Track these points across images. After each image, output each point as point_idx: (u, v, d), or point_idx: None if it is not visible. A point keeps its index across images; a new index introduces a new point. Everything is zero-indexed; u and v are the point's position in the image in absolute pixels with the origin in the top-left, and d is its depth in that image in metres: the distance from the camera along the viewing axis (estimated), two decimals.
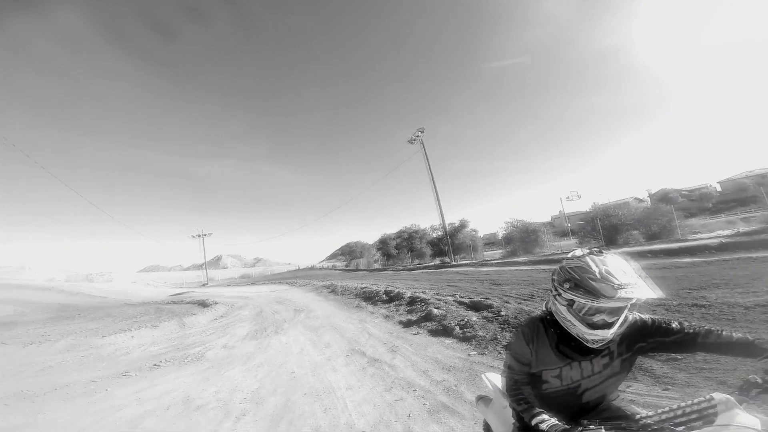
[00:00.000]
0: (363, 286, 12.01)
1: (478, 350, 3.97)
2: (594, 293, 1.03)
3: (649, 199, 50.83)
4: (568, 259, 1.18)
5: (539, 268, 11.80)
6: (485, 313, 5.25)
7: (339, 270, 42.69)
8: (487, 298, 6.27)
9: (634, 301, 1.02)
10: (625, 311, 1.09)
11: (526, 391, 1.16)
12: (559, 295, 1.15)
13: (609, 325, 1.07)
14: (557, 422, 1.00)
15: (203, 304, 12.66)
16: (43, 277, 33.73)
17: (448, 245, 24.28)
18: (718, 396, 0.91)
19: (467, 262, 21.64)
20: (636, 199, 53.71)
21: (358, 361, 4.11)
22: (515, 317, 4.76)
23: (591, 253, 1.13)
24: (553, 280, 1.21)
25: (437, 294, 7.83)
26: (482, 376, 1.68)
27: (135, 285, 34.42)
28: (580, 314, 1.10)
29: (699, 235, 12.72)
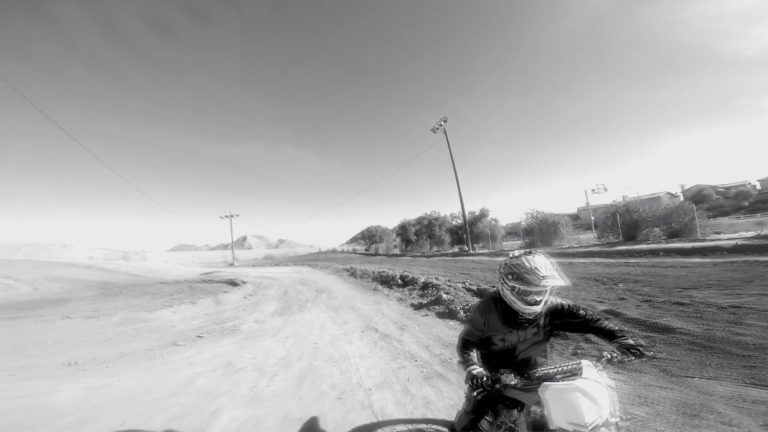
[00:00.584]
0: (380, 270, 12.66)
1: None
2: (527, 282, 1.47)
3: (681, 195, 48.80)
4: (509, 257, 1.64)
5: (559, 261, 12.06)
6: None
7: (359, 254, 43.71)
8: (494, 286, 6.74)
9: (552, 286, 1.49)
10: (548, 294, 1.56)
11: (469, 350, 1.64)
12: (505, 282, 1.61)
13: (537, 303, 1.53)
14: (482, 370, 1.51)
15: (233, 284, 13.69)
16: (84, 255, 36.28)
17: (466, 234, 24.57)
18: (584, 361, 1.39)
19: (485, 251, 21.93)
20: (669, 194, 51.71)
21: (371, 336, 4.73)
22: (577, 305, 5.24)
23: (525, 254, 1.59)
24: (500, 272, 1.68)
25: (449, 281, 8.34)
26: None
27: (167, 264, 36.55)
28: (519, 296, 1.56)
29: (719, 236, 12.53)
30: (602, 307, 4.52)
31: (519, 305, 1.55)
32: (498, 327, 1.64)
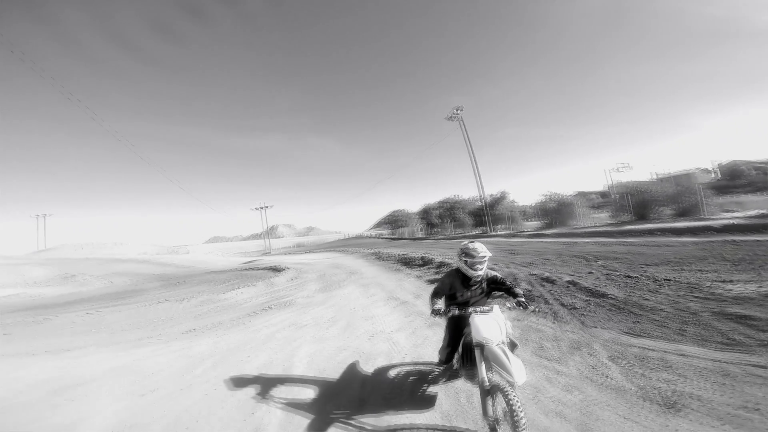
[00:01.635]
0: (403, 253, 14.25)
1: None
2: (471, 257, 2.60)
3: (717, 171, 46.90)
4: (462, 244, 2.76)
5: (559, 241, 13.22)
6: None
7: (384, 238, 45.50)
8: (496, 264, 8.17)
9: (485, 259, 2.57)
10: (485, 264, 2.59)
11: (437, 298, 2.68)
12: (461, 259, 2.72)
13: (479, 270, 2.61)
14: (440, 307, 2.60)
15: (276, 270, 15.73)
16: (135, 251, 40.22)
17: (486, 216, 25.68)
18: (495, 306, 2.59)
19: (504, 232, 23.05)
20: (702, 170, 49.73)
21: (392, 303, 6.35)
22: (506, 277, 6.69)
23: (470, 242, 2.83)
24: (457, 254, 2.76)
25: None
26: None
27: (209, 255, 39.81)
28: (468, 266, 2.61)
29: (722, 215, 13.14)
30: (567, 279, 5.89)
31: (470, 272, 2.62)
32: (458, 287, 2.70)
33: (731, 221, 10.64)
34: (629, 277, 5.56)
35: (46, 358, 4.71)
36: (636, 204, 15.86)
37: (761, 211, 12.54)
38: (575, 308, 4.55)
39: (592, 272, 6.29)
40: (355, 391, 3.07)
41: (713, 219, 12.58)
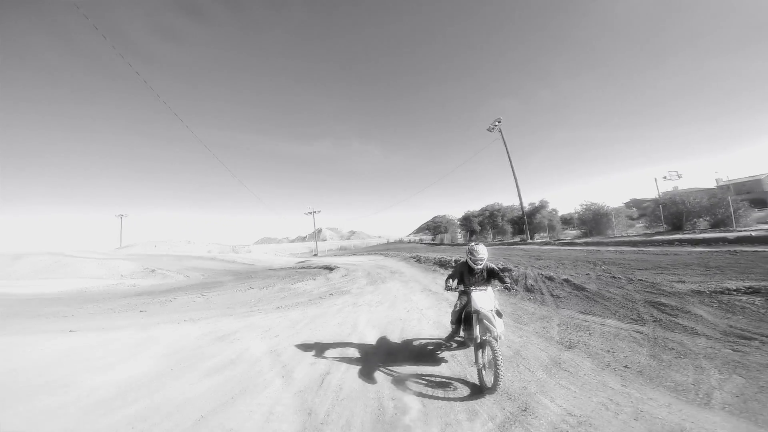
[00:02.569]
0: (440, 257, 15.99)
1: None
2: (474, 256, 3.68)
3: None
4: (469, 245, 4.28)
5: (586, 249, 14.26)
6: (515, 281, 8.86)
7: (425, 244, 47.11)
8: (517, 266, 9.74)
9: (483, 258, 3.68)
10: (484, 261, 3.65)
11: (451, 279, 3.85)
12: (468, 255, 3.82)
13: (479, 264, 3.70)
14: (452, 284, 4.49)
15: (329, 268, 18.16)
16: (203, 249, 45.38)
17: (525, 225, 26.55)
18: (489, 287, 4.22)
19: (540, 240, 23.89)
20: None
21: (426, 292, 8.23)
22: (518, 277, 8.31)
23: (475, 243, 3.79)
24: (466, 251, 4.21)
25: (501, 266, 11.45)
26: None
27: (266, 255, 43.83)
28: (472, 261, 3.70)
29: (756, 227, 13.41)
30: (564, 277, 7.42)
31: (472, 264, 3.66)
32: (466, 273, 3.78)
33: (750, 233, 11.22)
34: (614, 277, 6.98)
35: (192, 323, 7.18)
36: (669, 215, 16.29)
37: None
38: (558, 297, 6.17)
39: (588, 274, 7.74)
40: (390, 350, 5.03)
41: (739, 231, 13.00)
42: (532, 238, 26.69)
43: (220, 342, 5.18)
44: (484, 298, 3.38)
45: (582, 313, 5.19)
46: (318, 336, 5.25)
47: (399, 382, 3.41)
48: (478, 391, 3.13)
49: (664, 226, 16.67)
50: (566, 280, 7.15)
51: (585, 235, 21.62)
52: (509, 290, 4.05)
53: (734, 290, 4.94)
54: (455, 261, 11.67)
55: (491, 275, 3.81)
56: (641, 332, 4.16)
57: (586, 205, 21.92)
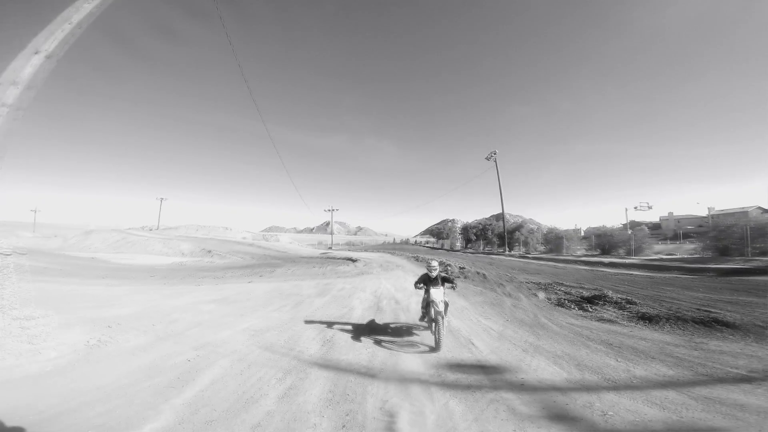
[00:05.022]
0: (438, 267, 22.40)
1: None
2: (430, 268, 5.74)
3: None
4: (427, 262, 7.06)
5: (532, 261, 20.49)
6: (461, 269, 15.22)
7: (426, 247, 53.49)
8: (478, 271, 16.06)
9: (436, 269, 5.85)
10: (436, 270, 5.67)
11: (418, 282, 5.76)
12: (427, 267, 6.01)
13: (434, 272, 5.73)
14: (419, 285, 5.93)
15: (351, 260, 24.56)
16: (239, 236, 52.19)
17: (505, 239, 32.79)
18: (441, 287, 8.05)
19: (516, 253, 30.12)
20: (760, 209, 51.67)
21: (415, 277, 14.68)
22: (474, 275, 14.64)
23: (431, 260, 7.39)
24: (426, 265, 9.57)
25: (462, 266, 17.77)
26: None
27: (291, 244, 50.42)
28: (428, 270, 5.72)
29: (645, 256, 19.49)
30: (487, 274, 13.75)
31: (431, 274, 5.52)
32: (426, 279, 5.54)
33: (651, 260, 17.37)
34: (513, 278, 13.32)
35: (302, 280, 13.64)
36: (600, 243, 22.40)
37: (689, 256, 18.84)
38: (483, 281, 12.53)
39: (508, 274, 14.05)
40: (395, 294, 11.40)
41: (644, 257, 19.17)
42: (511, 250, 32.89)
43: (327, 289, 11.64)
44: (437, 293, 5.14)
45: (479, 287, 11.57)
46: (367, 287, 11.66)
47: (400, 302, 9.77)
48: (433, 347, 4.98)
49: (597, 251, 22.77)
50: (483, 276, 13.52)
51: (548, 251, 27.81)
52: (454, 288, 5.87)
53: (550, 285, 11.24)
54: (455, 275, 18.44)
55: (444, 280, 5.58)
56: (507, 297, 10.50)
57: (549, 228, 28.08)
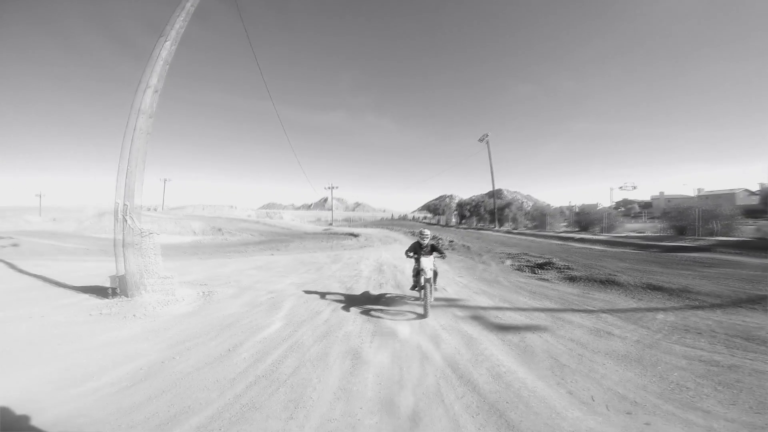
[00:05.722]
0: (431, 234, 25.06)
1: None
2: (422, 236, 6.19)
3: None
4: (419, 230, 8.87)
5: (515, 236, 23.15)
6: (451, 242, 17.88)
7: (423, 222, 56.18)
8: (464, 244, 18.69)
9: (427, 237, 6.46)
10: (428, 239, 6.11)
11: (409, 251, 6.24)
12: (419, 235, 8.51)
13: (425, 240, 6.32)
14: (410, 253, 6.52)
15: (353, 235, 27.19)
16: (244, 214, 54.61)
17: (495, 217, 35.41)
18: (431, 255, 10.44)
19: (504, 228, 32.82)
20: (747, 191, 54.13)
21: None
22: (461, 247, 17.28)
23: (424, 228, 8.21)
24: (417, 233, 8.95)
25: (452, 240, 20.39)
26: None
27: (294, 221, 52.99)
28: (420, 238, 6.18)
29: (616, 233, 22.18)
30: (470, 246, 16.39)
31: (421, 241, 5.97)
32: (417, 248, 5.96)
33: (617, 237, 20.04)
34: (491, 250, 15.97)
35: (316, 252, 16.26)
36: (579, 221, 25.05)
37: (658, 233, 21.54)
38: (466, 252, 15.19)
39: (489, 246, 16.70)
40: (394, 261, 14.03)
41: (603, 235, 21.87)
42: (501, 226, 35.60)
43: (337, 258, 14.25)
44: (427, 262, 5.55)
45: (462, 257, 14.23)
46: (370, 256, 14.26)
47: (397, 266, 12.41)
48: (421, 314, 5.42)
49: (576, 228, 25.43)
50: (467, 247, 16.18)
51: (533, 228, 30.50)
52: (443, 258, 6.23)
53: (519, 255, 13.89)
54: (444, 247, 21.22)
55: (433, 249, 5.96)
56: (481, 263, 13.14)
57: (535, 205, 30.65)
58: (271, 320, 5.24)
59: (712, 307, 5.88)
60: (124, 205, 6.04)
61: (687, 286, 7.25)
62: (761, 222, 22.82)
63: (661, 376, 3.31)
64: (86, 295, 6.47)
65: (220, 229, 36.18)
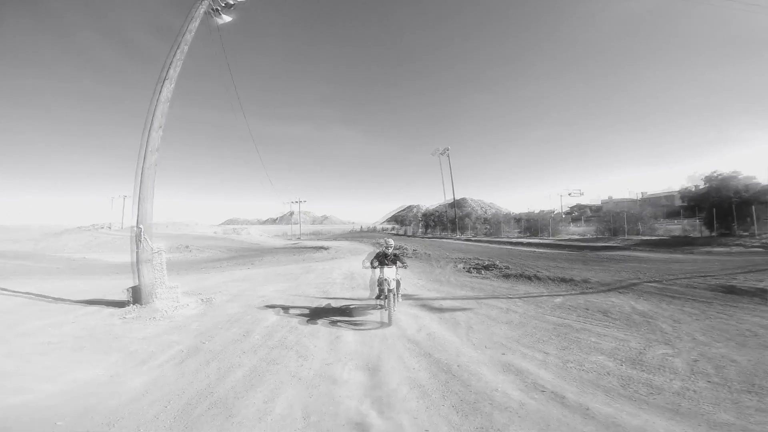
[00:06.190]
0: (397, 244, 26.89)
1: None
2: (385, 245, 8.61)
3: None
4: (383, 239, 14.57)
5: (469, 242, 25.58)
6: (414, 251, 19.85)
7: (389, 233, 58.27)
8: (425, 252, 20.68)
9: (390, 246, 11.31)
10: (391, 248, 6.83)
11: (373, 261, 6.85)
12: (384, 244, 14.86)
13: (389, 250, 10.72)
14: (368, 263, 7.43)
15: (323, 248, 28.52)
16: (210, 230, 54.05)
17: (456, 226, 38.10)
18: (393, 266, 15.38)
19: (461, 236, 35.50)
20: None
21: None
22: (422, 254, 19.25)
23: (388, 238, 12.85)
24: (381, 242, 15.10)
25: (415, 249, 22.36)
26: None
27: (261, 237, 53.19)
28: (384, 248, 7.19)
29: (558, 237, 25.24)
30: (429, 252, 18.43)
31: (385, 250, 6.45)
32: (381, 257, 6.33)
33: (559, 240, 22.81)
34: (447, 256, 18.08)
35: (290, 265, 17.55)
36: (529, 226, 28.07)
37: (593, 236, 24.61)
38: (427, 258, 17.16)
39: (447, 253, 18.78)
40: (359, 270, 15.71)
41: (558, 238, 24.76)
42: (462, 234, 38.31)
43: (311, 269, 15.69)
44: (390, 272, 5.92)
45: (424, 263, 16.18)
46: (341, 267, 15.82)
47: (367, 275, 14.08)
48: (386, 321, 5.83)
49: (527, 233, 28.42)
50: (428, 254, 18.20)
51: (489, 234, 33.33)
52: (405, 268, 6.74)
53: (470, 259, 16.04)
54: (406, 255, 23.16)
55: (396, 258, 6.40)
56: (438, 267, 15.09)
57: (491, 214, 33.55)
58: (268, 315, 6.76)
59: (597, 292, 8.08)
60: (139, 228, 7.33)
61: (587, 278, 9.53)
62: (685, 222, 26.59)
63: (530, 334, 5.26)
64: (100, 306, 7.62)
65: (187, 246, 36.12)
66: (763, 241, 18.12)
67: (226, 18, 10.84)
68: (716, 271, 9.85)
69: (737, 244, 17.23)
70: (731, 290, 6.91)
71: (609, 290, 8.07)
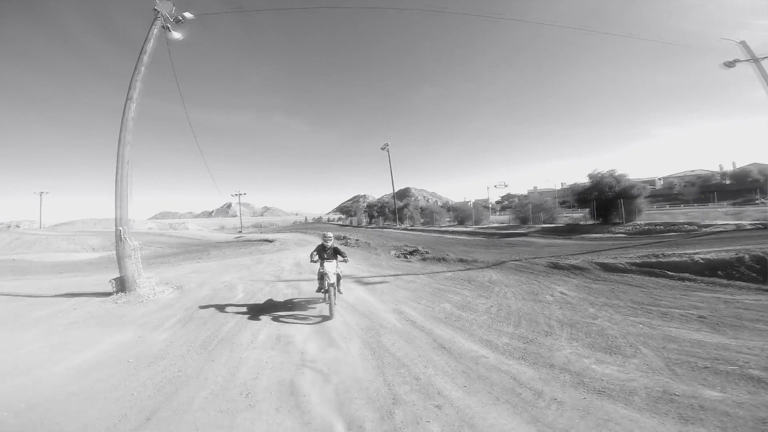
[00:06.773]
0: (342, 234, 29.10)
1: (347, 246, 21.07)
2: (325, 239, 6.76)
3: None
4: (323, 232, 13.90)
5: (407, 231, 28.80)
6: (357, 240, 22.38)
7: (336, 224, 60.34)
8: (367, 242, 23.27)
9: (330, 239, 7.00)
10: (331, 242, 6.70)
11: (312, 256, 6.97)
12: (323, 238, 7.17)
13: (328, 243, 6.91)
14: (310, 257, 7.33)
15: (269, 241, 29.84)
16: (144, 226, 51.49)
17: (396, 216, 41.35)
18: (334, 261, 17.31)
19: (403, 226, 38.85)
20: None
21: None
22: (364, 244, 21.81)
23: (327, 231, 7.84)
24: (321, 236, 15.81)
25: (358, 239, 24.85)
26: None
27: (202, 231, 52.06)
28: (324, 241, 6.73)
29: (480, 225, 29.47)
30: (370, 242, 21.14)
31: (325, 243, 6.53)
32: (321, 251, 6.53)
33: (480, 228, 26.63)
34: (385, 245, 20.92)
35: (242, 257, 19.05)
36: (458, 216, 32.02)
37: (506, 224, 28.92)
38: (367, 247, 19.78)
39: (385, 242, 21.56)
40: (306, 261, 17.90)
41: (480, 226, 28.78)
42: (402, 224, 41.67)
43: (260, 260, 17.46)
44: (330, 267, 6.24)
45: (364, 251, 18.81)
46: (289, 257, 17.81)
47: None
48: (327, 313, 6.29)
49: (456, 222, 32.34)
50: (369, 243, 20.90)
51: (425, 224, 37.00)
52: (346, 262, 6.97)
53: (403, 247, 18.97)
54: (350, 244, 25.52)
55: (336, 252, 6.57)
56: (374, 254, 17.74)
57: (433, 201, 37.19)
58: (236, 294, 8.87)
59: (478, 269, 11.23)
60: (120, 229, 8.91)
61: (477, 259, 12.78)
62: (583, 212, 32.04)
63: (418, 295, 8.07)
64: (86, 297, 9.07)
65: None
66: (627, 228, 23.33)
67: (177, 35, 12.16)
68: (568, 252, 13.61)
69: (608, 231, 22.13)
70: (556, 266, 10.30)
71: (486, 267, 11.27)
